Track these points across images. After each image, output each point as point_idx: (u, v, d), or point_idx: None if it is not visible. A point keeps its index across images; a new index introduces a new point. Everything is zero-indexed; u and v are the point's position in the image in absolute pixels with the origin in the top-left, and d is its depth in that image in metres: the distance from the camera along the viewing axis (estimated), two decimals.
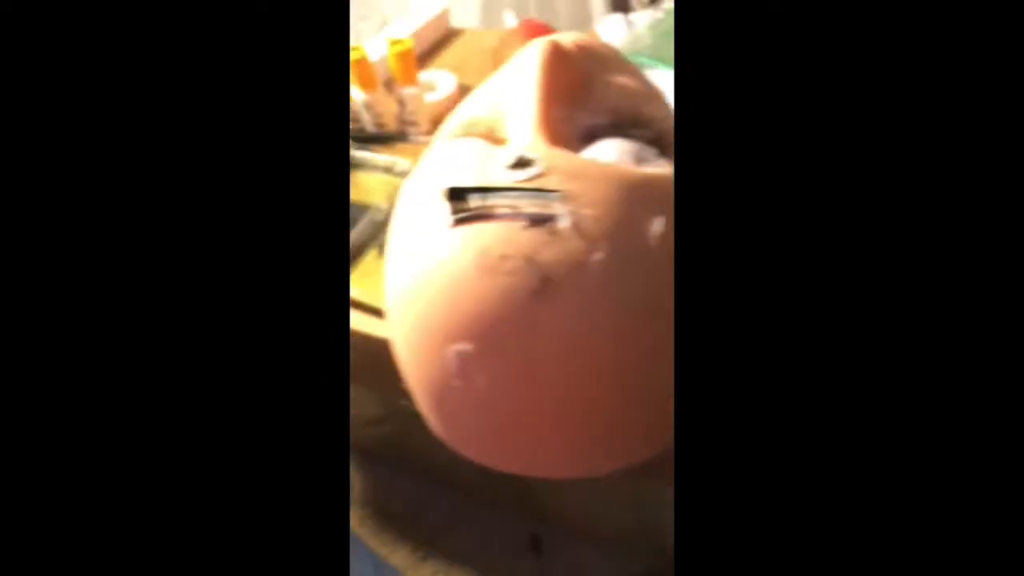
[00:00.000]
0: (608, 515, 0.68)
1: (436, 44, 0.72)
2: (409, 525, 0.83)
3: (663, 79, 0.48)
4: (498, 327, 0.28)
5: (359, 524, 0.86)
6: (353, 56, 0.55)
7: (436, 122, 0.60)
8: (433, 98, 0.61)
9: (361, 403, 0.77)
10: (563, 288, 0.28)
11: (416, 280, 0.31)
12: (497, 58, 0.63)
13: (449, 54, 0.71)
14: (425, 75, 0.61)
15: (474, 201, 0.29)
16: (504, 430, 0.32)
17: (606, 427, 0.31)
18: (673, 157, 0.34)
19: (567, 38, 0.36)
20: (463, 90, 0.64)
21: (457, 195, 0.29)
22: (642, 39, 0.57)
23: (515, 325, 0.28)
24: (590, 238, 0.28)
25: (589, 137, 0.34)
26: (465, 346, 0.29)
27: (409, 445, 0.84)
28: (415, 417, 0.69)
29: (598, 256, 0.28)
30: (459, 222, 0.29)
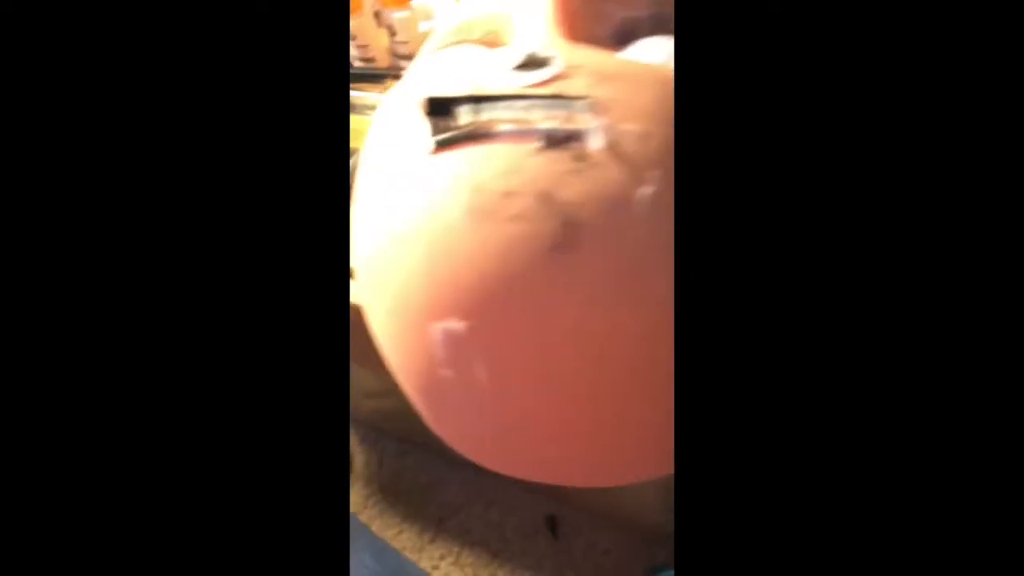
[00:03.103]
0: (632, 498, 0.63)
1: None
2: (417, 505, 0.78)
3: None
4: (500, 297, 0.20)
5: (362, 505, 0.81)
6: None
7: None
8: (429, 26, 0.53)
9: (357, 376, 0.71)
10: (595, 238, 0.20)
11: (387, 231, 0.23)
12: None
13: None
14: None
15: (465, 115, 0.21)
16: (508, 431, 0.24)
17: (642, 428, 0.24)
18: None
19: None
20: None
21: (440, 107, 0.21)
22: None
23: (525, 292, 0.20)
24: (633, 165, 0.20)
25: (624, 37, 0.26)
26: (455, 324, 0.21)
27: (416, 419, 0.79)
28: None
29: (645, 191, 0.20)
30: (443, 145, 0.21)
